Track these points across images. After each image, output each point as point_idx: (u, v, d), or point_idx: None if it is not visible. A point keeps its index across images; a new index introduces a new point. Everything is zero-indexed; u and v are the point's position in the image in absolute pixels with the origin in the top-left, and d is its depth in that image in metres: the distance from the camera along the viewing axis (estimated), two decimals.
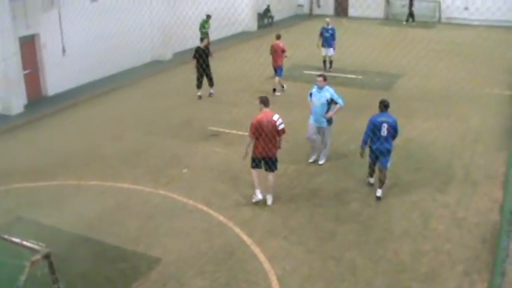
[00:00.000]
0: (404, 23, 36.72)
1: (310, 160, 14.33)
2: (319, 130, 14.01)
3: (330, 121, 13.94)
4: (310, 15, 40.17)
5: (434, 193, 12.54)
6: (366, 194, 12.56)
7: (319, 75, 14.08)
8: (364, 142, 12.28)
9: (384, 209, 11.85)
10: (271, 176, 12.06)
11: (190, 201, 12.24)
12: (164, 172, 13.88)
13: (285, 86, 20.73)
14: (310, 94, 14.10)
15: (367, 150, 12.47)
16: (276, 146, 11.92)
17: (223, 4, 24.36)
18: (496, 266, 8.67)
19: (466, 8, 36.76)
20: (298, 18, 39.22)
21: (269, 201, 12.15)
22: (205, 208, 11.96)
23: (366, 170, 13.06)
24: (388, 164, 12.30)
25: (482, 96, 19.89)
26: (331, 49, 23.57)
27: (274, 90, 20.46)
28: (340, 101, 13.76)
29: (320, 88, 13.82)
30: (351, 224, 11.27)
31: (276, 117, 11.79)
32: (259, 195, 12.14)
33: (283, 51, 20.42)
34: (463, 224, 11.22)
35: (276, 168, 12.05)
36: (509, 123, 16.49)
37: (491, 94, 20.33)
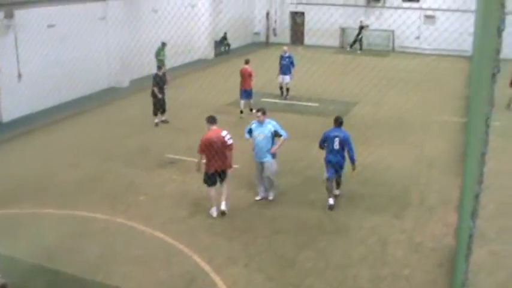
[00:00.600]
0: (348, 49, 37.45)
1: (258, 198, 13.72)
2: (263, 165, 13.35)
3: (274, 156, 13.40)
4: (267, 44, 40.55)
5: (391, 219, 12.73)
6: (324, 220, 12.64)
7: (258, 110, 13.47)
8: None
9: (342, 235, 11.96)
10: (225, 184, 12.92)
11: (149, 229, 12.15)
12: (121, 199, 13.75)
13: (253, 110, 21.13)
14: (250, 131, 13.52)
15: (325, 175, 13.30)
16: (228, 159, 12.67)
17: (179, 32, 24.46)
18: None
19: (418, 38, 37.72)
20: (254, 46, 39.57)
21: (223, 207, 12.84)
22: (163, 235, 11.87)
23: (324, 196, 13.25)
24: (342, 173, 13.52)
25: (434, 123, 20.39)
26: (288, 76, 23.83)
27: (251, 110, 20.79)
28: (283, 133, 13.28)
29: (261, 123, 13.29)
30: (310, 250, 11.33)
31: (224, 133, 12.58)
32: (215, 213, 12.82)
33: (250, 75, 21.07)
34: (420, 249, 11.41)
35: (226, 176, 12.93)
36: (460, 149, 16.87)
37: (442, 121, 20.82)
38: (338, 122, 13.31)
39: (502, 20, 4.52)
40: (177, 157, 16.58)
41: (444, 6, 32.92)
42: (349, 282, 10.19)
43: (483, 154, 4.60)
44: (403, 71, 29.86)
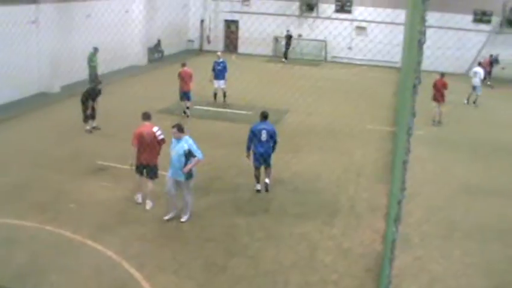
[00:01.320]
0: (284, 60, 37.87)
1: (166, 217, 12.94)
2: (178, 184, 12.77)
3: (189, 176, 12.67)
4: (201, 51, 40.52)
5: (321, 225, 12.94)
6: (254, 227, 12.74)
7: (173, 126, 12.68)
8: (248, 148, 14.51)
9: (273, 242, 12.07)
10: (150, 183, 13.54)
11: (78, 237, 11.94)
12: (51, 207, 13.45)
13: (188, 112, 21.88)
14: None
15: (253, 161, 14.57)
16: (157, 156, 13.52)
17: (112, 37, 24.20)
18: None
19: (350, 48, 38.51)
20: (188, 53, 39.44)
21: (148, 207, 13.53)
22: (93, 243, 11.69)
23: (254, 203, 13.50)
24: (272, 162, 14.62)
25: (363, 132, 20.86)
26: (222, 81, 24.21)
27: (188, 108, 21.81)
28: (199, 153, 12.49)
29: (177, 139, 12.61)
30: (240, 257, 11.39)
31: (155, 129, 13.40)
32: (139, 199, 13.75)
33: (191, 76, 21.77)
34: (348, 254, 11.65)
35: (155, 176, 13.62)
36: (388, 158, 17.32)
37: (372, 130, 21.32)
38: (263, 116, 14.60)
39: (423, 33, 4.71)
40: (108, 164, 16.37)
41: (377, 18, 33.72)
42: None
43: (405, 162, 4.77)
44: (335, 80, 30.46)
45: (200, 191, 14.22)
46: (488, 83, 30.13)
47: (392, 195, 10.64)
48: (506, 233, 13.33)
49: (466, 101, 26.74)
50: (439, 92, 22.53)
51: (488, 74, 31.02)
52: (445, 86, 22.70)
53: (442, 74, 23.06)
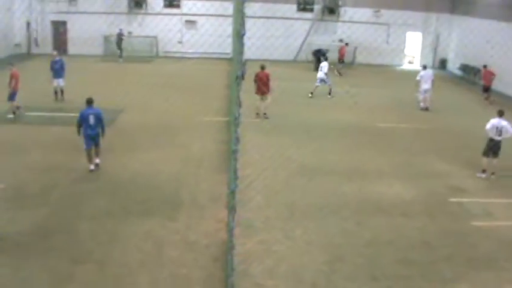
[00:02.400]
0: (117, 59, 37.21)
1: None
2: None
3: None
4: (29, 55, 38.61)
5: (165, 221, 12.93)
6: (98, 231, 12.44)
7: None
8: (78, 132, 15.78)
9: (118, 244, 11.87)
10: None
11: None
12: None
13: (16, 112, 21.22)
14: None
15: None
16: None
17: None
18: (226, 282, 9.27)
19: (180, 42, 38.59)
20: (15, 58, 37.41)
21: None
22: None
23: (96, 207, 13.39)
24: (101, 143, 16.10)
25: (200, 124, 21.08)
26: (61, 80, 24.27)
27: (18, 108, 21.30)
28: None
29: None
30: (86, 263, 11.06)
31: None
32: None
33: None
34: (194, 247, 11.75)
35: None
36: (225, 147, 17.65)
37: (208, 121, 21.59)
38: (88, 102, 15.89)
39: (242, 25, 4.84)
40: None
41: (207, 12, 34.11)
42: None
43: (234, 152, 4.89)
44: (168, 75, 30.41)
45: (38, 199, 13.77)
46: (336, 72, 31.20)
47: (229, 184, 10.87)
48: (341, 208, 14.21)
49: (310, 95, 27.59)
50: (264, 84, 22.21)
51: (340, 62, 32.68)
52: (267, 77, 22.54)
53: (263, 67, 22.95)
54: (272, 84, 22.65)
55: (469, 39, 30.27)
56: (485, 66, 28.90)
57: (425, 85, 26.19)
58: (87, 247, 11.75)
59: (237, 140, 4.80)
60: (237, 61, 4.99)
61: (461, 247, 12.67)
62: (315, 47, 37.09)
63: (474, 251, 12.56)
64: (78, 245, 11.87)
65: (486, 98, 28.31)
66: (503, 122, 16.87)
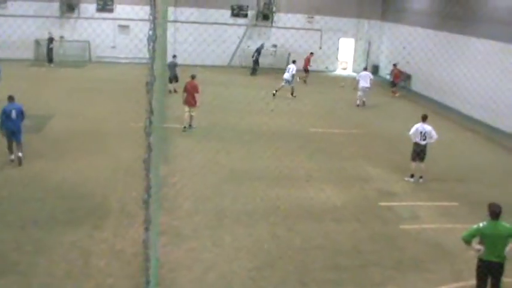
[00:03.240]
0: (48, 63, 36.31)
1: None
2: None
3: None
4: None
5: (91, 230, 12.68)
6: (22, 241, 12.05)
7: None
8: (1, 127, 16.34)
9: (43, 254, 11.56)
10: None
11: None
12: None
13: None
14: None
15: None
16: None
17: None
18: None
19: (114, 47, 38.02)
20: None
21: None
22: None
23: (22, 216, 13.01)
24: (22, 139, 16.56)
25: (129, 130, 20.60)
26: None
27: None
28: None
29: None
30: (10, 275, 10.72)
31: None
32: None
33: None
34: (121, 256, 11.57)
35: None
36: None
37: (137, 127, 21.16)
38: (11, 98, 16.60)
39: (153, 30, 4.75)
40: None
41: (139, 16, 33.64)
42: None
43: (145, 161, 4.75)
44: (100, 80, 29.95)
45: None
46: (298, 79, 31.49)
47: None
48: (271, 213, 14.29)
49: (274, 92, 28.54)
50: (190, 95, 20.98)
51: (306, 71, 33.91)
52: (196, 88, 21.17)
53: (193, 76, 21.49)
54: (200, 96, 21.33)
55: (396, 45, 30.93)
56: (395, 65, 32.60)
57: (364, 83, 28.64)
58: (12, 258, 11.38)
59: (149, 148, 4.67)
60: (151, 67, 4.87)
61: (390, 251, 12.93)
62: (250, 53, 37.40)
63: (402, 254, 12.83)
64: (1, 255, 11.48)
65: (393, 92, 32.54)
66: (427, 127, 17.25)
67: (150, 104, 4.70)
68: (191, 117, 21.37)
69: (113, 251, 11.77)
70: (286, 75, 29.05)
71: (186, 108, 21.26)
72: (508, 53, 24.10)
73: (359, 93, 28.79)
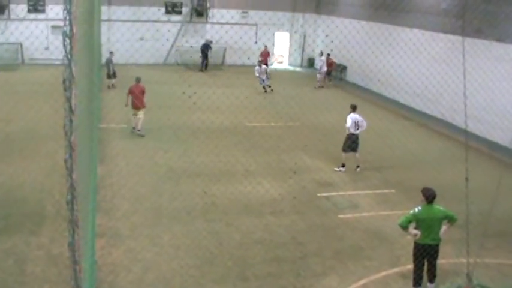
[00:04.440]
0: None
1: None
2: None
3: None
4: None
5: (27, 236, 12.37)
6: None
7: None
8: None
9: None
10: None
11: None
12: None
13: None
14: None
15: None
16: None
17: None
18: None
19: (47, 48, 37.21)
20: None
21: None
22: None
23: None
24: None
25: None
26: None
27: None
28: None
29: None
30: None
31: None
32: None
33: None
34: (58, 261, 11.33)
35: None
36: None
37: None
38: None
39: (68, 26, 4.64)
40: None
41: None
42: None
43: (65, 161, 4.64)
44: (34, 83, 29.20)
45: None
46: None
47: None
48: (209, 210, 14.32)
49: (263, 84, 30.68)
50: (138, 99, 20.35)
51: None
52: (143, 92, 20.67)
53: (138, 79, 20.95)
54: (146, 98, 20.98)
55: (331, 37, 31.23)
56: (328, 55, 33.59)
57: (324, 67, 33.11)
58: None
59: (69, 148, 4.54)
60: (68, 64, 4.74)
61: (330, 241, 13.12)
62: (184, 50, 37.31)
63: (341, 243, 13.03)
64: None
65: (329, 80, 34.44)
66: (359, 117, 17.53)
67: (68, 102, 4.55)
68: (137, 121, 20.80)
69: (49, 256, 11.53)
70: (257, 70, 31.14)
71: (133, 112, 20.72)
72: (437, 41, 24.73)
73: (318, 75, 33.27)
